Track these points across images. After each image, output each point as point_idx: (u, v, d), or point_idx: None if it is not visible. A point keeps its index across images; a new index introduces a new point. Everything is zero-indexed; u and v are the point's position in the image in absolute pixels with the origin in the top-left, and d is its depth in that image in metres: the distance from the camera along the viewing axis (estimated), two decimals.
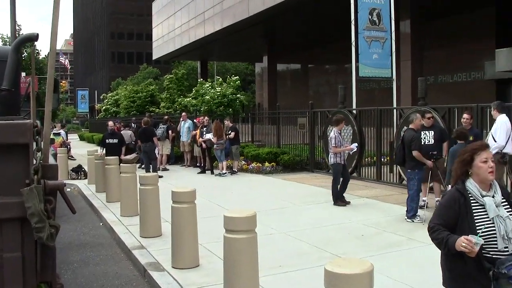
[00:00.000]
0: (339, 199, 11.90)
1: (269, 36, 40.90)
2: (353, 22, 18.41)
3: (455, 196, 3.88)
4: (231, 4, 35.06)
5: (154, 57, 55.80)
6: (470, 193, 3.86)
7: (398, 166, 13.65)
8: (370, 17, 18.70)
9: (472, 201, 3.84)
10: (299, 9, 30.02)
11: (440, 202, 3.98)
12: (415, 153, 10.00)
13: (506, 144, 9.76)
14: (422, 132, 10.86)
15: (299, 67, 48.30)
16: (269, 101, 40.85)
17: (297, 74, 47.98)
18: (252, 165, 18.97)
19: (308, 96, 40.76)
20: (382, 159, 15.61)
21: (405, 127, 12.10)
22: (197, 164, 20.42)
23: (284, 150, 19.90)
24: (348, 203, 11.80)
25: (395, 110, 16.13)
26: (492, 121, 10.44)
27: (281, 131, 20.91)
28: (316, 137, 18.68)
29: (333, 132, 12.14)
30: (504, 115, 9.97)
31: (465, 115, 10.83)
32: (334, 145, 11.91)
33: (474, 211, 3.80)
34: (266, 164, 18.70)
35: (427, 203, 10.71)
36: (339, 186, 12.06)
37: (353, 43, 18.41)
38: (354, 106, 18.01)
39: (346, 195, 12.02)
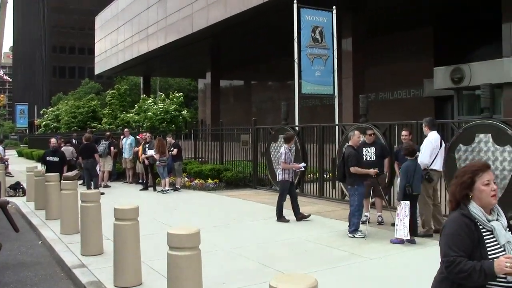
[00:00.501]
0: (297, 216, 11.92)
1: (213, 52, 41.03)
2: (296, 40, 18.66)
3: (466, 222, 3.41)
4: (175, 20, 35.05)
5: (97, 72, 55.21)
6: (476, 219, 3.43)
7: (340, 182, 13.81)
8: (313, 34, 19.01)
9: (479, 227, 3.43)
10: (242, 26, 30.23)
11: (447, 232, 3.45)
12: (352, 169, 10.12)
13: (433, 161, 9.95)
14: (363, 148, 11.06)
15: (242, 83, 48.59)
16: (212, 117, 40.86)
17: (240, 91, 48.23)
18: (195, 181, 18.87)
19: (251, 112, 41.03)
20: (325, 175, 15.76)
21: (346, 143, 12.27)
22: (140, 181, 20.21)
23: (227, 166, 19.86)
24: (288, 221, 11.78)
25: (337, 127, 16.33)
26: None
27: (224, 148, 20.89)
28: (259, 153, 18.73)
29: (283, 148, 12.17)
30: (435, 132, 10.17)
31: (403, 132, 11.09)
32: (283, 161, 11.96)
33: (484, 237, 3.40)
34: (209, 180, 18.64)
35: (369, 218, 10.86)
36: (292, 205, 12.06)
37: (296, 60, 18.64)
38: (296, 122, 18.18)
39: (289, 211, 12.04)
